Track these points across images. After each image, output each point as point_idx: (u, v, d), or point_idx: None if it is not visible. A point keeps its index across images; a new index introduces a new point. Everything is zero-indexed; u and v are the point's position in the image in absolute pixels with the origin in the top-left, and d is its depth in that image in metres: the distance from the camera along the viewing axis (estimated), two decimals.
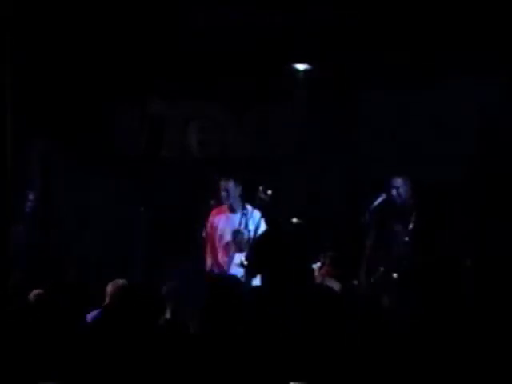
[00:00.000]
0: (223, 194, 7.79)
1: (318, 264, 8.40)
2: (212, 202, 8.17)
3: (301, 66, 9.65)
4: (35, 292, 6.08)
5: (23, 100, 8.97)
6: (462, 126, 8.98)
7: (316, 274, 8.42)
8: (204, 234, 7.91)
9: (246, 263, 7.60)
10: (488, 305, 6.60)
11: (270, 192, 7.74)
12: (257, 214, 7.76)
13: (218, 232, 7.82)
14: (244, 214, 7.75)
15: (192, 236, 8.27)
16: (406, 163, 9.03)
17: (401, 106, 9.41)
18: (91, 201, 9.41)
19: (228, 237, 7.75)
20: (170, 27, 9.30)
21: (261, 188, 7.76)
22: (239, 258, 7.68)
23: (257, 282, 7.75)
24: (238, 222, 7.76)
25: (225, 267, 7.75)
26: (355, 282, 8.16)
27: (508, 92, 8.92)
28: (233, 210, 7.84)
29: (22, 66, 8.92)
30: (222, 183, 7.79)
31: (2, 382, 4.54)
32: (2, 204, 8.45)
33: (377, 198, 8.13)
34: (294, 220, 8.69)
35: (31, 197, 8.42)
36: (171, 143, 10.03)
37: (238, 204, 7.83)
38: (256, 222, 7.70)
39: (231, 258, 7.72)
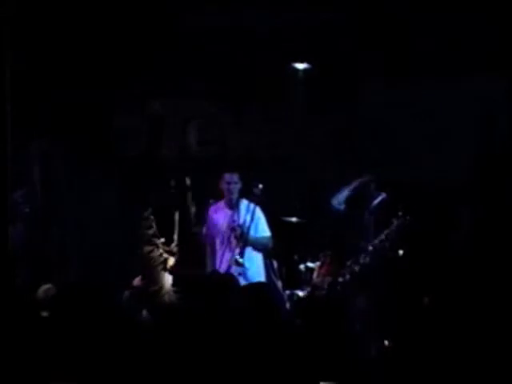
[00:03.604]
0: (226, 187, 7.76)
1: (318, 263, 8.41)
2: (211, 201, 8.17)
3: (301, 66, 9.66)
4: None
5: (23, 100, 8.97)
6: (462, 127, 8.98)
7: (316, 273, 8.44)
8: (204, 233, 7.89)
9: (240, 260, 7.59)
10: (489, 302, 6.61)
11: (260, 186, 7.75)
12: (254, 208, 7.76)
13: (215, 228, 7.80)
14: (239, 209, 7.76)
15: (192, 236, 8.26)
16: (406, 163, 9.04)
17: (401, 106, 9.41)
18: (91, 201, 9.41)
19: (229, 232, 7.74)
20: (170, 27, 9.30)
21: (253, 183, 7.78)
22: (235, 255, 7.66)
23: (261, 278, 7.75)
24: (234, 217, 7.76)
25: (223, 265, 7.72)
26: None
27: (508, 92, 8.92)
28: (231, 206, 7.82)
29: (22, 66, 8.93)
30: (227, 176, 7.77)
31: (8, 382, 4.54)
32: (1, 204, 8.43)
33: (377, 197, 8.13)
34: (294, 219, 8.69)
35: (30, 197, 8.41)
36: (171, 143, 10.03)
37: (236, 200, 7.83)
38: (253, 216, 7.70)
39: (228, 254, 7.70)
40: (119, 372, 4.55)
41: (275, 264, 8.12)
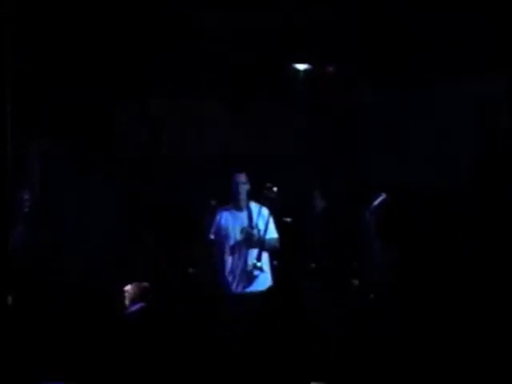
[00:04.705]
0: (234, 187, 7.67)
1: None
2: (212, 202, 8.14)
3: (301, 66, 9.66)
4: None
5: (23, 100, 8.98)
6: (462, 127, 8.98)
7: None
8: (212, 236, 7.79)
9: (258, 264, 7.54)
10: (489, 301, 6.62)
11: (275, 189, 7.70)
12: (265, 211, 7.70)
13: (224, 231, 7.71)
14: (250, 212, 7.68)
15: (193, 236, 8.25)
16: (406, 163, 9.04)
17: (401, 106, 9.42)
18: (91, 200, 9.41)
19: (237, 235, 7.67)
20: (170, 27, 9.31)
21: (267, 185, 7.72)
22: (251, 258, 7.60)
23: (270, 280, 7.72)
24: (245, 220, 7.68)
25: (232, 268, 7.67)
26: (355, 282, 8.17)
27: (508, 92, 8.92)
28: (239, 208, 7.74)
29: (22, 66, 8.93)
30: (235, 176, 7.70)
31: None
32: (1, 204, 8.43)
33: (377, 198, 8.13)
34: (288, 219, 8.67)
35: (30, 196, 8.40)
36: (171, 143, 10.03)
37: (244, 201, 7.74)
38: (265, 219, 7.64)
39: (242, 258, 7.63)
40: (118, 372, 4.56)
41: (275, 263, 8.11)
